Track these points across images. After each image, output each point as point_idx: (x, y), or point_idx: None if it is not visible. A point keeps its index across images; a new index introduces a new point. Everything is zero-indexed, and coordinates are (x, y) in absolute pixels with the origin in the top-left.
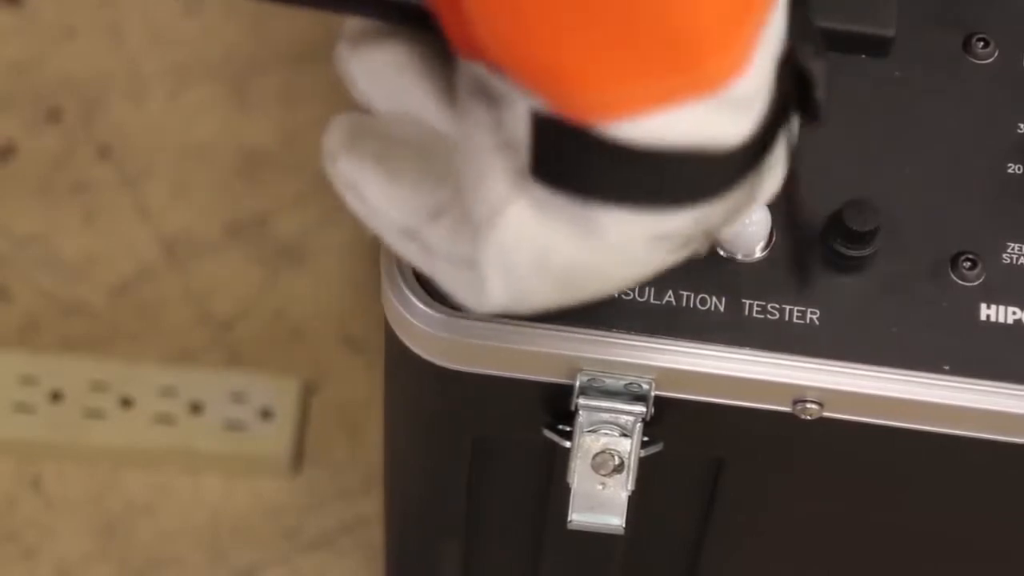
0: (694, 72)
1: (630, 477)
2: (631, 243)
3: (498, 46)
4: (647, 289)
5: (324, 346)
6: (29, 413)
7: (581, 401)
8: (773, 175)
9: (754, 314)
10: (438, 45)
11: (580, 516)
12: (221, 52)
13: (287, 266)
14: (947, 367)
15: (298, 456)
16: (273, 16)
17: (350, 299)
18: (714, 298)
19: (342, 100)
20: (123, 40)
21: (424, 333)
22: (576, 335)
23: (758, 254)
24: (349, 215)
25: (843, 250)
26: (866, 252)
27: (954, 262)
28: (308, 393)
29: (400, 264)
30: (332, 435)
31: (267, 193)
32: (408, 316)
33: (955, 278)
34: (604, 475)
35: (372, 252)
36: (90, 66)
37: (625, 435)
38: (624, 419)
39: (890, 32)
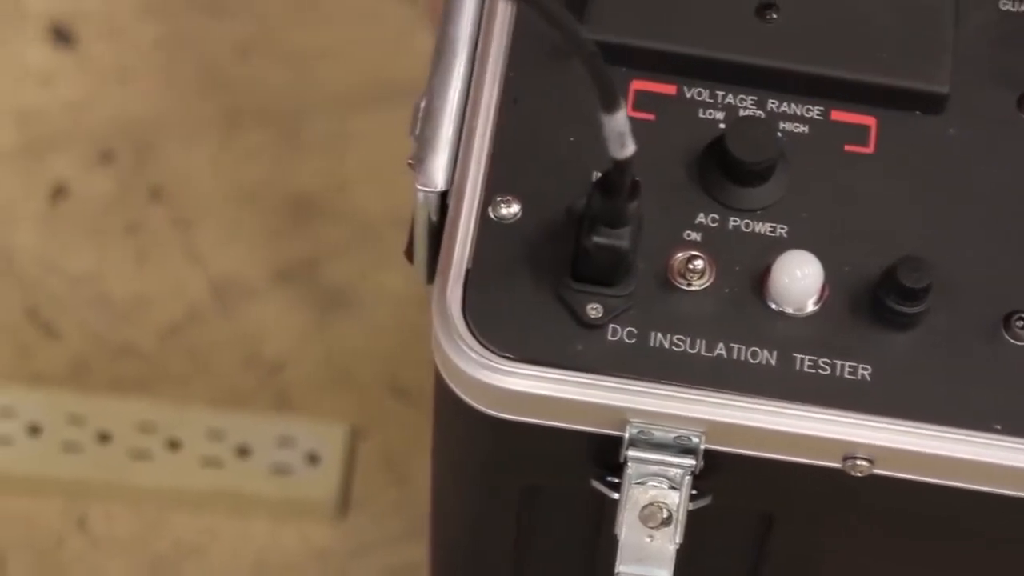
0: None
1: (678, 530)
2: None
3: None
4: (698, 342)
5: (372, 392)
6: (77, 452)
7: (630, 453)
8: None
9: (805, 368)
10: None
11: (628, 568)
12: (272, 96)
13: (336, 311)
14: (999, 426)
15: (344, 501)
16: (324, 61)
17: (399, 345)
18: (765, 351)
19: (394, 145)
20: (176, 83)
21: (474, 381)
22: (626, 386)
23: (809, 308)
24: (400, 261)
25: (896, 306)
26: (919, 309)
27: (1007, 321)
28: (356, 438)
29: (451, 312)
30: (379, 481)
31: (317, 238)
32: (458, 364)
33: (1008, 337)
34: (652, 527)
35: (422, 299)
36: (143, 108)
37: (674, 488)
38: (673, 472)
39: (944, 89)
